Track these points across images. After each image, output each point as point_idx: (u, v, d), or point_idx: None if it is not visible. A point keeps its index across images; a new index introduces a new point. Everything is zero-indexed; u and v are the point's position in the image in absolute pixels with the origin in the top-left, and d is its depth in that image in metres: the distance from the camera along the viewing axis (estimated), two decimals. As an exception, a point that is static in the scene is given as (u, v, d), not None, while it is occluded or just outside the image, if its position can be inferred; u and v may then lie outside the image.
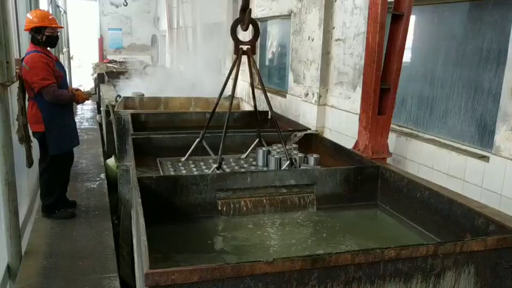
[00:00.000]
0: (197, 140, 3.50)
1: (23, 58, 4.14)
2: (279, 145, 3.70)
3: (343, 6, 6.32)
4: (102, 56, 21.41)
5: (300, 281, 1.74)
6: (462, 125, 4.63)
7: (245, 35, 3.98)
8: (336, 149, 3.82)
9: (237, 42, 3.23)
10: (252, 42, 3.28)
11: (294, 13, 7.91)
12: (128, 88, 8.79)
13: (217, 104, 3.45)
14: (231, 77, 3.41)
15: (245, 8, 3.18)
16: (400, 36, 4.49)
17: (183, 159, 3.58)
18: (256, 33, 3.31)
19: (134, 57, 18.41)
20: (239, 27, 3.26)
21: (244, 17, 3.19)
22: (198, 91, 7.79)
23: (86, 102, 5.51)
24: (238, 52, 3.24)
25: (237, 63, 3.28)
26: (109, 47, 22.26)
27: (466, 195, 3.96)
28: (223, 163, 3.28)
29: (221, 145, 3.12)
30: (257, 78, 3.51)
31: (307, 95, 7.13)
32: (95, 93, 9.65)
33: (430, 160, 4.81)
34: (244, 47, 3.25)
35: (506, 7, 4.12)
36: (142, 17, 22.10)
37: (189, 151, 3.54)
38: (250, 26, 3.25)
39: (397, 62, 4.55)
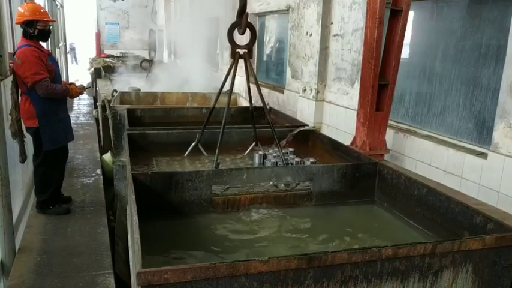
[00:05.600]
0: (193, 144, 3.49)
1: (15, 52, 4.08)
2: (276, 149, 3.66)
3: (342, 1, 6.27)
4: (99, 51, 21.29)
5: (296, 280, 1.72)
6: (460, 122, 4.60)
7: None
8: (333, 146, 3.79)
9: (234, 46, 3.21)
10: (249, 46, 3.27)
11: (292, 8, 7.86)
12: (125, 83, 8.73)
13: (211, 112, 3.48)
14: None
15: (242, 12, 3.16)
16: (398, 32, 4.45)
17: (179, 158, 3.56)
18: (253, 37, 3.28)
19: (131, 51, 18.30)
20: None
21: (241, 21, 3.17)
22: (194, 86, 7.73)
23: (82, 96, 5.47)
24: (235, 56, 3.23)
25: (233, 67, 3.27)
26: (106, 41, 22.14)
27: (463, 192, 3.94)
28: (220, 164, 3.25)
29: (217, 150, 3.08)
30: (254, 80, 3.47)
31: (305, 90, 7.09)
32: (90, 87, 9.58)
33: (428, 157, 4.79)
34: (241, 51, 3.24)
35: (506, 3, 4.08)
36: (139, 12, 21.96)
37: (187, 151, 3.52)
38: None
39: (396, 57, 4.51)
